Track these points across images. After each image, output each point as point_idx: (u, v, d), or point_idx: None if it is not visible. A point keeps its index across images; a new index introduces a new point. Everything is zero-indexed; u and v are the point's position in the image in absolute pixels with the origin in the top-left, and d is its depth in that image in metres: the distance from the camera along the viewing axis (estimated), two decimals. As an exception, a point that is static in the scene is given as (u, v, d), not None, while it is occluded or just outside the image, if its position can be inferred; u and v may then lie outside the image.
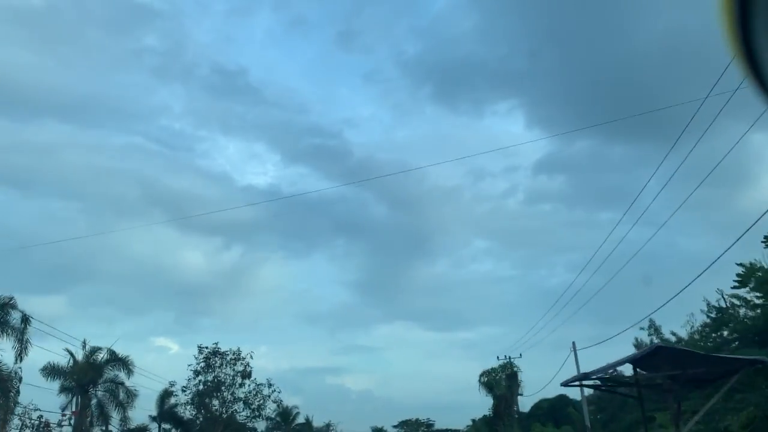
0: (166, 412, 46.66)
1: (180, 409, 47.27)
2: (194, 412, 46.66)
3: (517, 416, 50.41)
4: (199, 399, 46.67)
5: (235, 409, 48.45)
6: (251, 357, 49.12)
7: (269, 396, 49.42)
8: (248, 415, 48.84)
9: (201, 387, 47.18)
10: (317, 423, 74.13)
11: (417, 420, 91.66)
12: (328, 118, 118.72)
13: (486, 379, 53.53)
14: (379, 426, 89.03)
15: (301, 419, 72.98)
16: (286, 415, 70.84)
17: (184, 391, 46.61)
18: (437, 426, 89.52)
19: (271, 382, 49.57)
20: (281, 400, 49.09)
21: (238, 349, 48.90)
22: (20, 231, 79.38)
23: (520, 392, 52.66)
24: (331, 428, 75.92)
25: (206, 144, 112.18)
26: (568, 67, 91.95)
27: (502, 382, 52.05)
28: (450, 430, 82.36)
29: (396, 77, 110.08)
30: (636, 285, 54.25)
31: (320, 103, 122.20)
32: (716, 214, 76.54)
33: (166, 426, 47.15)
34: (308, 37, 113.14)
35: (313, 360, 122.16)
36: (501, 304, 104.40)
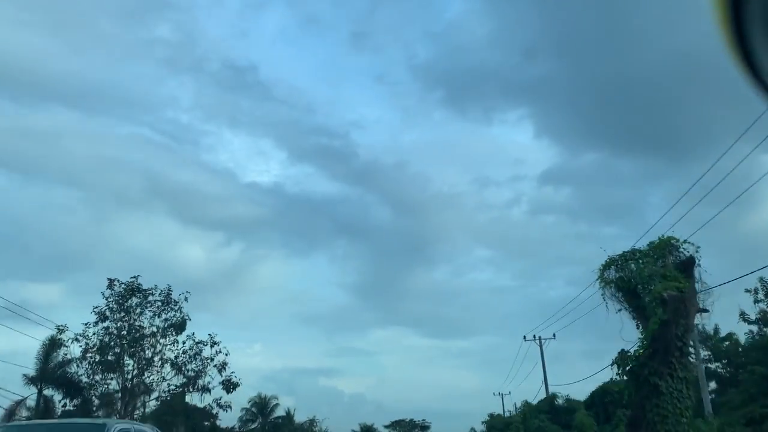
0: (51, 371, 31.49)
1: (75, 369, 32.35)
2: (92, 373, 31.63)
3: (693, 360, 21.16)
4: (102, 354, 31.71)
5: (160, 374, 33.50)
6: (186, 299, 34.25)
7: (211, 359, 34.34)
8: (179, 384, 33.76)
9: (107, 338, 32.27)
10: (301, 418, 60.31)
11: (411, 420, 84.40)
12: (336, 118, 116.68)
13: (619, 274, 19.08)
14: (369, 423, 78.85)
15: (281, 411, 60.15)
16: (262, 405, 59.25)
17: (78, 340, 31.73)
18: (433, 429, 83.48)
19: (216, 340, 34.57)
20: (226, 364, 33.85)
21: (168, 287, 34.14)
22: (20, 217, 76.55)
23: (702, 306, 18.84)
24: (316, 424, 61.52)
25: (212, 138, 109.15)
26: (581, 79, 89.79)
27: (657, 279, 17.96)
28: None
29: (406, 80, 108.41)
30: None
31: (328, 104, 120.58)
32: (717, 233, 70.78)
33: (49, 393, 31.73)
34: (320, 37, 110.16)
35: (307, 360, 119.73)
36: (499, 315, 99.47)
